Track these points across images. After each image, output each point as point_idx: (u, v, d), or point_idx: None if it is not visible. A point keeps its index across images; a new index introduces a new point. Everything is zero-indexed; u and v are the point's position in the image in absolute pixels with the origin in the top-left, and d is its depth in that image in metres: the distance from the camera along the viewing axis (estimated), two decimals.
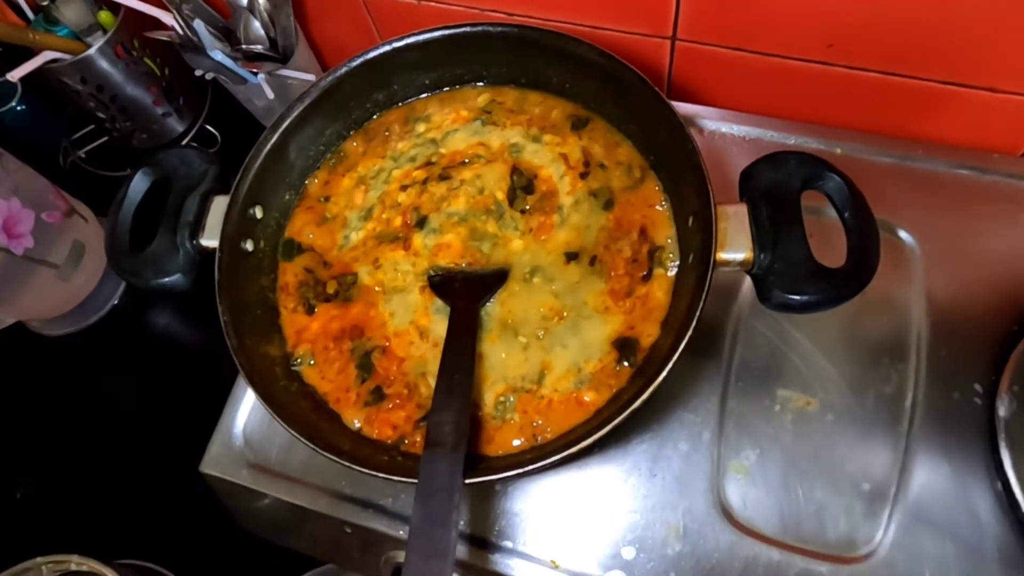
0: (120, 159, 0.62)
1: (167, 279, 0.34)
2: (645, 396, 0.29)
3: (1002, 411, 0.34)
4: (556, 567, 0.35)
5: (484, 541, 0.36)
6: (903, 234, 0.39)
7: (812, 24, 0.40)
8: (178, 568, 0.46)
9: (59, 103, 0.60)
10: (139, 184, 0.35)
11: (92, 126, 0.63)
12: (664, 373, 0.29)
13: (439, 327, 0.35)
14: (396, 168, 0.39)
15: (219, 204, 0.35)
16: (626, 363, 0.33)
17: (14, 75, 0.46)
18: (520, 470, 0.28)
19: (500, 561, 0.35)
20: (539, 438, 0.32)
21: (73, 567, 0.44)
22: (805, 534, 0.34)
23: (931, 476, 0.34)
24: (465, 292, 0.35)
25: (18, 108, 0.60)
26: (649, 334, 0.33)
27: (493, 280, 0.36)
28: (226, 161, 0.37)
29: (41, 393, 0.57)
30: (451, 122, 0.39)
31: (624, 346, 0.33)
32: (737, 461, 0.36)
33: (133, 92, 0.56)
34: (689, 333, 0.29)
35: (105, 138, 0.63)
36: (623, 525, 0.35)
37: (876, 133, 0.42)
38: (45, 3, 0.48)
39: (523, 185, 0.38)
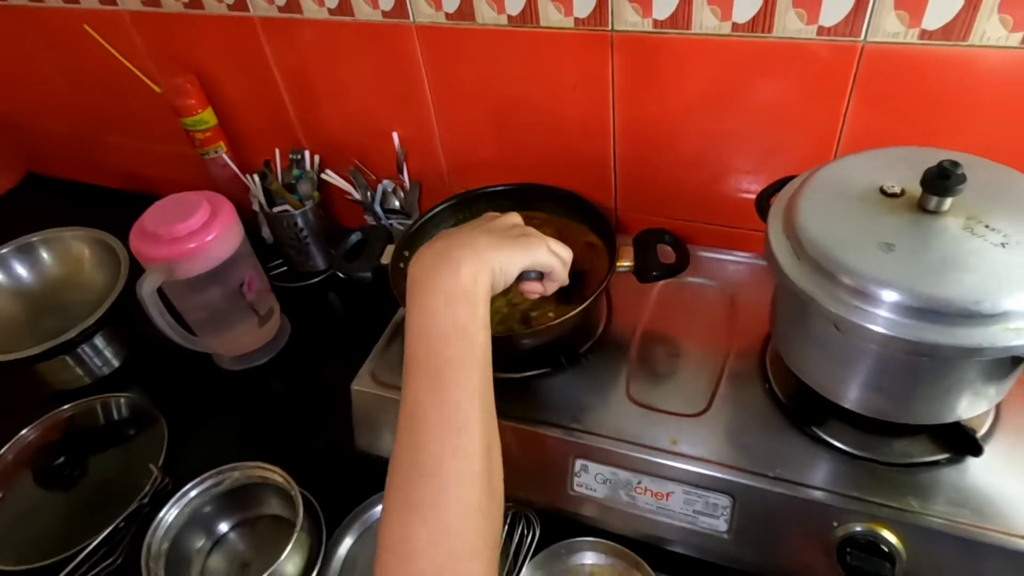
0: (291, 278, 1.03)
1: (363, 274, 0.71)
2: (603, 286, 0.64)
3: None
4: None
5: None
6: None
7: (683, 195, 0.83)
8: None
9: (258, 242, 1.03)
10: (354, 237, 0.75)
11: (280, 260, 1.04)
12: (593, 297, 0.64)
13: None
14: None
15: (389, 249, 0.74)
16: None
17: (272, 209, 0.89)
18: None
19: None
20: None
21: (258, 474, 0.72)
22: (670, 406, 0.65)
23: (734, 380, 0.66)
24: None
25: None
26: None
27: None
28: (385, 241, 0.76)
29: (222, 406, 0.89)
30: None
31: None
32: (635, 386, 0.68)
33: (313, 238, 0.99)
34: (601, 287, 0.65)
35: (284, 268, 1.04)
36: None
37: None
38: (292, 180, 0.93)
39: None
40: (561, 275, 0.53)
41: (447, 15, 0.76)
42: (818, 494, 0.56)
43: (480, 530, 0.39)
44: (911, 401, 0.54)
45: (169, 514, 0.67)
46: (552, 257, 0.51)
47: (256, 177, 0.93)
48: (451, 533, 0.38)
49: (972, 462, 0.56)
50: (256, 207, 0.98)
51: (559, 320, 0.63)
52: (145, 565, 0.64)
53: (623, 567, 0.64)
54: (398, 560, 0.38)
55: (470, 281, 0.44)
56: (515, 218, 0.53)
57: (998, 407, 0.60)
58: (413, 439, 0.41)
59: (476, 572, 0.38)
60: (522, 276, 0.50)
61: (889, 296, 0.47)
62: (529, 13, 0.72)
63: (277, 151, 0.95)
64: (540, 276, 0.52)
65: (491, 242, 0.47)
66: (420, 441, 0.40)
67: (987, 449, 0.57)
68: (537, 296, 0.55)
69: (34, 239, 0.94)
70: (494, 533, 0.40)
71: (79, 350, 0.89)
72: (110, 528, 0.71)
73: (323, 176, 0.93)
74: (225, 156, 0.98)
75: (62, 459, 0.79)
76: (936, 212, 0.50)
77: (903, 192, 0.53)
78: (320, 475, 0.75)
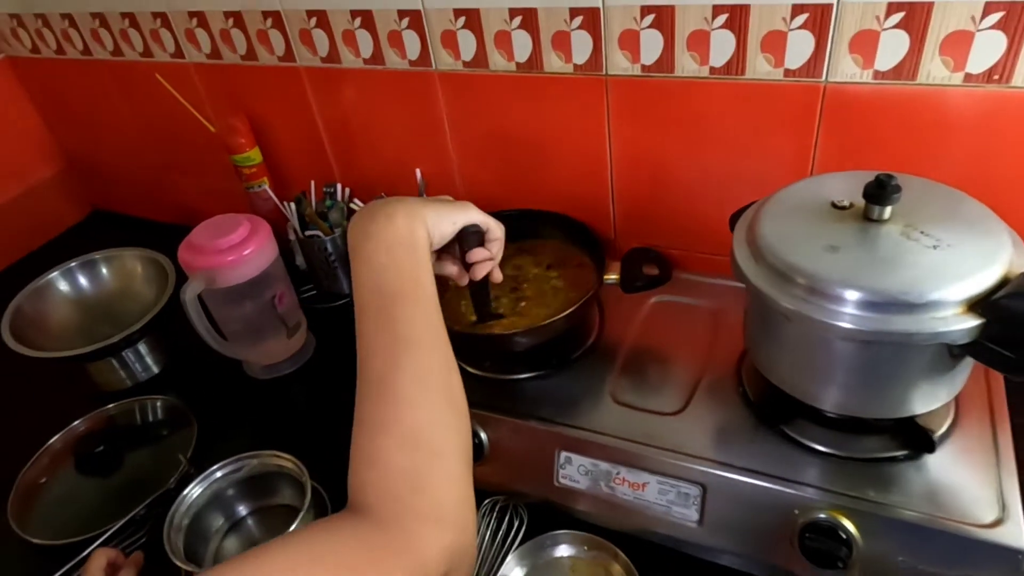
0: (320, 300, 1.12)
1: None
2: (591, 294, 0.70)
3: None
4: None
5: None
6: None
7: (673, 223, 0.90)
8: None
9: (293, 269, 1.13)
10: None
11: (310, 285, 1.14)
12: (590, 295, 0.71)
13: None
14: None
15: None
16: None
17: (304, 234, 0.99)
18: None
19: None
20: None
21: (274, 462, 0.79)
22: (649, 405, 0.70)
23: (711, 385, 0.71)
24: None
25: None
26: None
27: None
28: None
29: (250, 410, 0.96)
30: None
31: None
32: (619, 388, 0.74)
33: (341, 262, 1.08)
34: (592, 292, 0.72)
35: (314, 291, 1.13)
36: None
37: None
38: (324, 210, 1.03)
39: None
40: (499, 234, 0.57)
41: (464, 63, 0.87)
42: (781, 484, 0.60)
43: (444, 438, 0.42)
44: (866, 395, 0.59)
45: (193, 492, 0.74)
46: (486, 216, 0.55)
47: (292, 204, 1.04)
48: (414, 440, 0.42)
49: (929, 458, 0.60)
50: (291, 235, 1.08)
51: (549, 320, 0.70)
52: (167, 537, 0.71)
53: (603, 558, 0.68)
54: (369, 466, 0.42)
55: (407, 231, 0.47)
56: (447, 197, 0.57)
57: (957, 409, 0.63)
58: (368, 367, 0.44)
59: (445, 467, 0.41)
60: (466, 244, 0.55)
61: (831, 289, 0.53)
62: (535, 61, 0.82)
63: (312, 183, 1.06)
64: (482, 241, 0.56)
65: (422, 202, 0.51)
66: (375, 367, 0.44)
67: (944, 446, 0.60)
68: (488, 264, 0.58)
69: (96, 256, 1.06)
70: (460, 442, 0.43)
71: (124, 354, 0.98)
72: (138, 509, 0.78)
73: (352, 205, 1.04)
74: (268, 189, 1.10)
75: (101, 448, 0.88)
76: (878, 220, 0.57)
77: (851, 205, 0.59)
78: (334, 472, 0.80)
